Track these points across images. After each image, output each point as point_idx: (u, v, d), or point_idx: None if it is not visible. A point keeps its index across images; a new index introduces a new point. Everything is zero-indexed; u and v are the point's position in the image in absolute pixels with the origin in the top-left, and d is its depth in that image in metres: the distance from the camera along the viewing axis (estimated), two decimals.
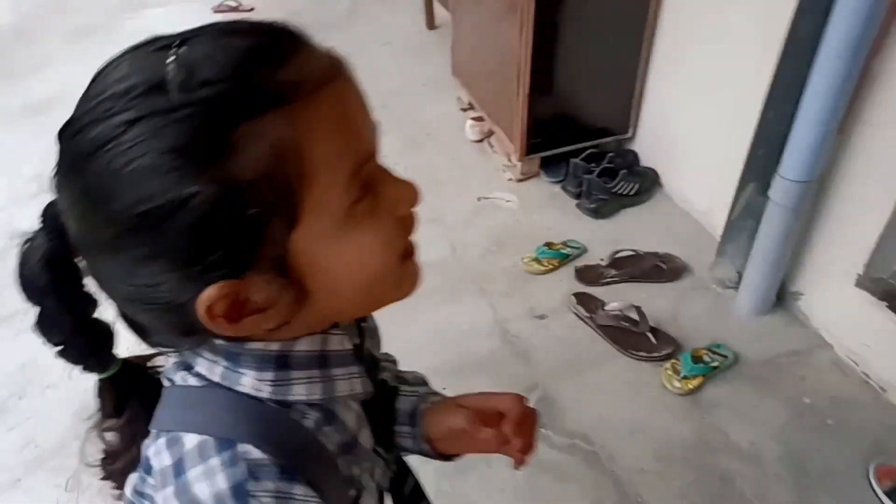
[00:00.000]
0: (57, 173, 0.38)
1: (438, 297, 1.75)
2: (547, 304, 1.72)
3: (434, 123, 2.45)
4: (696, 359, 1.53)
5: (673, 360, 1.55)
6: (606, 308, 1.68)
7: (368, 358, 0.54)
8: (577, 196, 2.04)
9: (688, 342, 1.60)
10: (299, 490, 0.41)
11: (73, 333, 0.43)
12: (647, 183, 2.06)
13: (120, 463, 0.48)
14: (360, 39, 3.11)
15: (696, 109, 1.87)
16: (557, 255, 1.84)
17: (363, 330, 0.54)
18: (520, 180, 2.12)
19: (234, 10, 3.42)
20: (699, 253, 1.83)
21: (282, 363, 0.44)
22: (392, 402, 0.63)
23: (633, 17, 1.90)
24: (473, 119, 2.32)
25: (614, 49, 1.96)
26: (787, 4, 1.35)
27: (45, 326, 0.42)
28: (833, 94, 1.29)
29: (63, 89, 2.67)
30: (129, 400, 0.47)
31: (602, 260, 1.84)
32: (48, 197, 0.40)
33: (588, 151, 2.09)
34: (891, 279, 1.44)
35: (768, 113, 1.46)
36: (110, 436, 0.48)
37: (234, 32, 0.38)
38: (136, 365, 0.49)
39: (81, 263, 0.41)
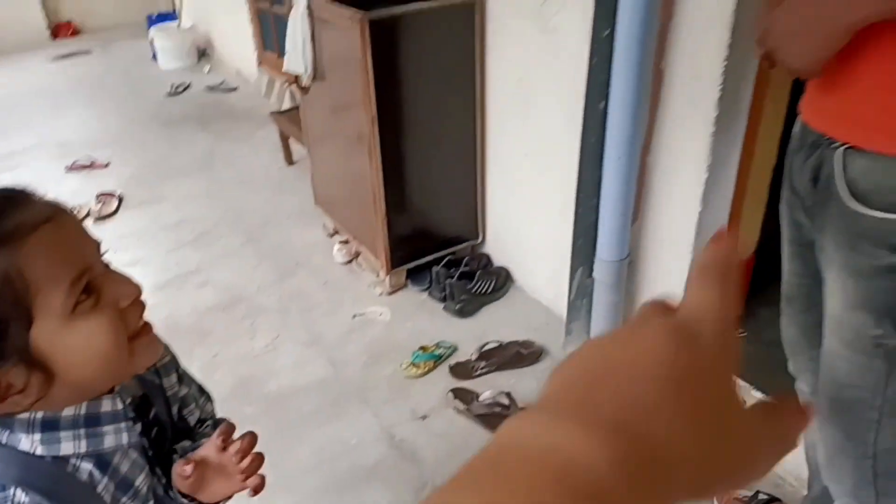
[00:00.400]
0: None
1: (323, 416, 1.82)
2: (427, 404, 1.84)
3: (304, 251, 2.59)
4: None
5: None
6: (480, 398, 1.83)
7: (157, 411, 0.67)
8: (443, 300, 2.23)
9: None
10: None
11: None
12: (501, 280, 2.30)
13: None
14: (223, 181, 3.25)
15: (528, 211, 2.17)
16: (432, 357, 1.99)
17: (150, 389, 0.67)
18: (389, 293, 2.28)
19: (90, 167, 3.44)
20: (553, 335, 2.06)
21: (49, 426, 0.57)
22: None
23: (465, 137, 2.19)
24: (340, 243, 2.49)
25: (454, 166, 2.24)
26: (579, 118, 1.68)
27: None
28: (622, 188, 1.60)
29: None
30: None
31: (472, 355, 2.01)
32: None
33: (447, 259, 2.32)
34: None
35: (579, 208, 1.75)
36: None
37: None
38: None
39: None
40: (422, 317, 2.19)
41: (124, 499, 0.61)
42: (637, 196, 1.67)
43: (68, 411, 0.58)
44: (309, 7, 2.08)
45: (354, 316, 2.20)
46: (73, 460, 0.58)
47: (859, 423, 0.93)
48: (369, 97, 1.93)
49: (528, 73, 1.91)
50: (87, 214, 2.98)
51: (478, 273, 2.25)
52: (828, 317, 0.95)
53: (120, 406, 0.62)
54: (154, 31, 5.13)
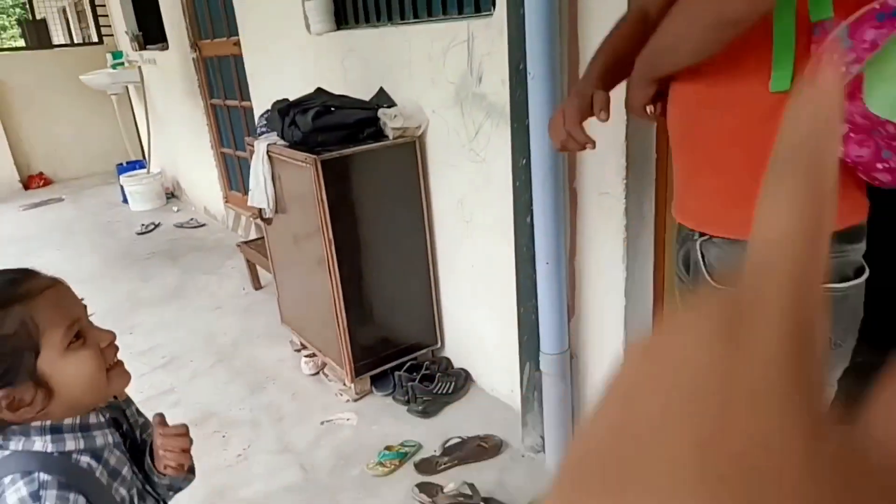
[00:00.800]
0: None
1: None
2: (394, 500, 1.95)
3: (273, 367, 2.74)
4: None
5: None
6: (445, 491, 1.96)
7: (126, 428, 0.93)
8: (406, 402, 2.39)
9: None
10: (72, 496, 0.75)
11: None
12: (460, 381, 2.49)
13: None
14: (193, 308, 3.42)
15: (479, 315, 2.40)
16: (397, 456, 2.12)
17: (118, 414, 0.93)
18: (355, 399, 2.44)
19: None
20: (511, 429, 2.22)
21: (55, 430, 0.80)
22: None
23: (417, 254, 2.45)
24: (306, 356, 2.66)
25: (409, 280, 2.48)
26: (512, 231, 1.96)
27: None
28: (555, 289, 1.85)
29: None
30: None
31: (436, 451, 2.15)
32: None
33: (409, 364, 2.50)
34: None
35: (521, 309, 1.99)
36: None
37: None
38: None
39: None
40: (387, 419, 2.33)
41: (115, 483, 0.83)
42: (570, 295, 1.92)
43: (67, 421, 0.81)
44: (268, 151, 2.40)
45: (322, 422, 2.33)
46: (74, 455, 0.80)
47: None
48: (326, 225, 2.19)
49: (466, 196, 2.23)
50: None
51: (438, 375, 2.43)
52: None
53: (102, 419, 0.86)
54: (124, 178, 5.46)
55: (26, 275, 0.80)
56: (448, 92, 2.11)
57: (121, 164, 5.82)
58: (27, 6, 7.98)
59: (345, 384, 2.48)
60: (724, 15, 0.82)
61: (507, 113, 1.79)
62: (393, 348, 2.51)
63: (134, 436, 0.95)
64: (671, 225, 1.94)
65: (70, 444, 0.80)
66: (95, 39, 6.76)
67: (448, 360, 2.60)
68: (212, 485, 2.08)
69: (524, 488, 1.98)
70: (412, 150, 2.28)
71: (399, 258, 2.42)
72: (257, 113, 3.45)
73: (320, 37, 2.67)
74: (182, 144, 5.11)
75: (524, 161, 1.75)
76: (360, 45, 2.49)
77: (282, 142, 2.33)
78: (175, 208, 5.32)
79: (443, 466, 2.09)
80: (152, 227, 4.87)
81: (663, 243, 1.94)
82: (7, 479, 0.74)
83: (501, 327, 2.25)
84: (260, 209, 2.57)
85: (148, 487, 0.93)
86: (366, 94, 2.43)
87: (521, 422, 2.15)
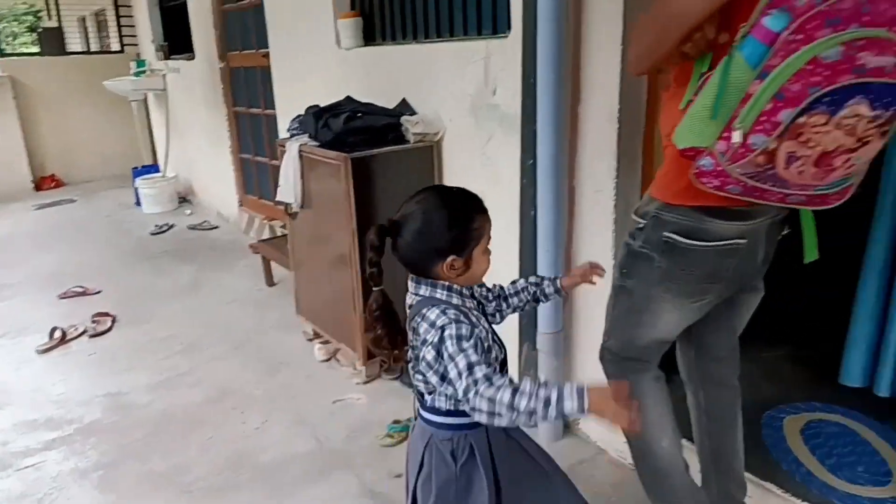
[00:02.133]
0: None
1: (310, 479, 2.09)
2: (402, 465, 2.13)
3: (287, 353, 2.94)
4: None
5: None
6: None
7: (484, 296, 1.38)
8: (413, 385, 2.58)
9: None
10: (465, 320, 1.13)
11: (375, 266, 1.18)
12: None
13: (386, 341, 1.22)
14: (209, 301, 3.62)
15: None
16: (404, 429, 2.31)
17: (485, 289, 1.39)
18: (366, 382, 2.63)
19: (83, 293, 3.77)
20: None
21: (450, 289, 1.20)
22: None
23: None
24: (320, 343, 2.86)
25: None
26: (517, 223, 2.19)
27: (373, 265, 1.18)
28: (552, 274, 2.07)
29: None
30: (385, 307, 1.22)
31: None
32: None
33: None
34: None
35: None
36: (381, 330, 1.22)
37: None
38: (384, 291, 1.22)
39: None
40: (394, 400, 2.53)
41: (477, 330, 1.15)
42: None
43: (456, 284, 1.21)
44: (300, 150, 2.64)
45: (335, 401, 2.52)
46: (459, 309, 1.17)
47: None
48: (351, 218, 2.43)
49: (479, 194, 2.46)
50: (84, 332, 3.27)
51: None
52: None
53: (468, 292, 1.25)
54: (140, 181, 5.68)
55: (476, 196, 1.23)
56: (465, 103, 2.36)
57: (136, 167, 6.04)
58: (43, 14, 8.23)
59: (356, 368, 2.68)
60: (671, 9, 1.13)
61: (518, 121, 2.04)
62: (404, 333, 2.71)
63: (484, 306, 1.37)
64: None
65: (455, 300, 1.20)
66: (117, 48, 7.03)
67: None
68: (232, 450, 2.27)
69: None
70: (430, 154, 2.53)
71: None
72: (280, 120, 3.70)
73: (349, 51, 2.94)
74: (200, 150, 5.35)
75: (531, 161, 1.99)
76: (387, 60, 2.75)
77: (313, 142, 2.57)
78: (188, 211, 5.53)
79: None
80: (166, 227, 5.06)
81: None
82: (425, 310, 1.16)
83: None
84: (287, 205, 2.80)
85: (497, 338, 1.26)
86: (389, 104, 2.68)
87: None
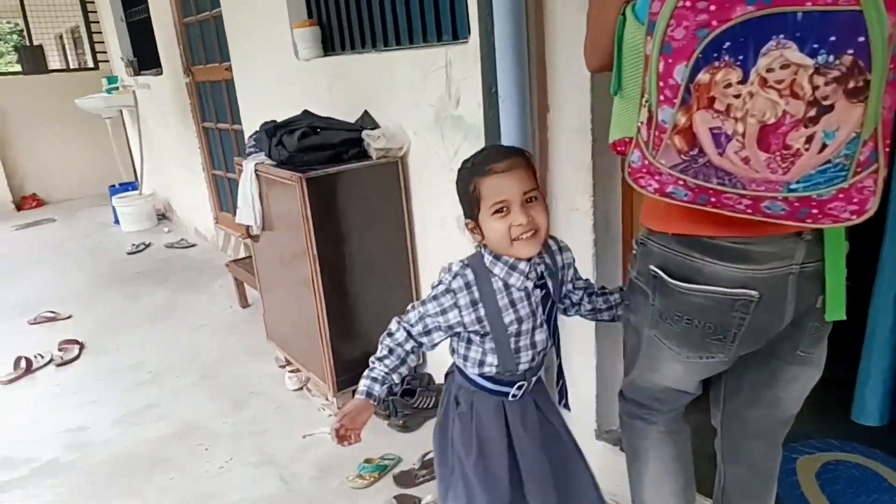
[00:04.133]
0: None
1: None
2: None
3: (257, 382, 2.78)
4: None
5: None
6: (422, 503, 2.00)
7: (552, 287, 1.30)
8: (387, 416, 2.43)
9: None
10: (468, 272, 1.21)
11: None
12: (441, 396, 2.53)
13: None
14: (180, 325, 3.47)
15: None
16: (377, 469, 2.16)
17: (551, 273, 1.30)
18: (331, 414, 2.48)
19: (53, 319, 3.62)
20: None
21: (497, 257, 1.20)
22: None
23: (400, 270, 2.51)
24: (290, 372, 2.70)
25: (392, 295, 2.52)
26: None
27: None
28: None
29: None
30: None
31: (415, 464, 2.19)
32: None
33: None
34: (618, 429, 1.96)
35: None
36: None
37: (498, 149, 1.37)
38: None
39: None
40: (368, 433, 2.31)
41: (509, 310, 1.20)
42: None
43: (492, 251, 1.21)
44: (256, 169, 2.48)
45: (305, 436, 2.37)
46: (489, 279, 1.21)
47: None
48: (311, 242, 2.26)
49: (447, 214, 2.30)
50: (50, 361, 3.12)
51: (419, 390, 2.48)
52: None
53: (527, 269, 1.21)
54: (116, 199, 5.53)
55: (501, 156, 1.17)
56: (428, 114, 2.20)
57: (113, 185, 5.89)
58: (24, 33, 8.16)
59: (327, 399, 2.52)
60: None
61: (482, 133, 1.88)
62: None
63: (555, 295, 1.29)
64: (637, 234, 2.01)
65: (498, 270, 1.20)
66: (91, 65, 6.88)
67: (430, 375, 2.64)
68: (193, 493, 2.11)
69: None
70: (395, 170, 2.37)
71: (382, 275, 2.48)
72: (247, 135, 3.54)
73: (308, 62, 2.78)
74: (174, 166, 5.20)
75: None
76: (346, 71, 2.59)
77: (269, 161, 2.41)
78: (166, 229, 5.39)
79: (421, 479, 2.13)
80: (143, 246, 4.92)
81: (627, 252, 2.01)
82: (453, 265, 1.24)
83: None
84: (247, 226, 2.64)
85: (546, 325, 1.27)
86: (351, 117, 2.52)
87: None
